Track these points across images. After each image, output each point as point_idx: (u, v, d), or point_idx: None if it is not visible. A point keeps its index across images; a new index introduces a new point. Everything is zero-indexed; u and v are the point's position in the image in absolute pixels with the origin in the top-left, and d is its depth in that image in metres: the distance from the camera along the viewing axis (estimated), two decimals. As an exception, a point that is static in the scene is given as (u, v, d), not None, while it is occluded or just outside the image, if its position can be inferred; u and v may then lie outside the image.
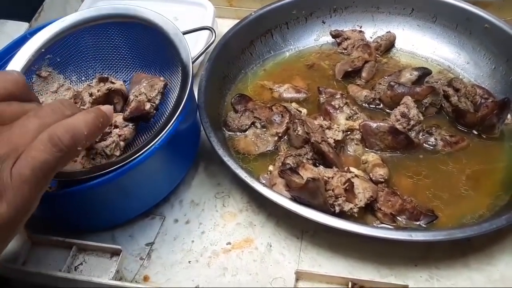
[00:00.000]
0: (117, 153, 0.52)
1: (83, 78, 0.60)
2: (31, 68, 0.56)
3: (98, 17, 0.58)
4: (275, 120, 0.63)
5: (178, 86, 0.54)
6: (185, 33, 0.56)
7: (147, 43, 0.58)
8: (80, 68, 0.60)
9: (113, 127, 0.53)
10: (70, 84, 0.60)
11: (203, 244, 0.55)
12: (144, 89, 0.54)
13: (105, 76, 0.57)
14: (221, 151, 0.56)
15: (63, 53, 0.58)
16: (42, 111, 0.38)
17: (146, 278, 0.53)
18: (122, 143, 0.52)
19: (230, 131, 0.65)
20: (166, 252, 0.55)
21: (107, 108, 0.44)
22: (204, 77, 0.64)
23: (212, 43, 0.63)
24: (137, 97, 0.53)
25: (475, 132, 0.64)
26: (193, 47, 0.64)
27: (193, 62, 0.54)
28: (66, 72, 0.59)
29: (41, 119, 0.37)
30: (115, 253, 0.52)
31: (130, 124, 0.53)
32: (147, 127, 0.55)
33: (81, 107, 0.54)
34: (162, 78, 0.56)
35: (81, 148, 0.38)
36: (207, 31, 0.72)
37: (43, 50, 0.56)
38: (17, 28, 0.75)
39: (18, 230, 0.38)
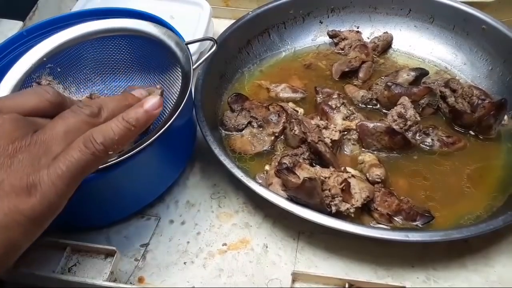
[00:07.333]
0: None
1: (81, 90, 0.61)
2: (31, 76, 0.56)
3: (104, 30, 0.57)
4: (271, 119, 0.63)
5: (177, 95, 0.53)
6: (188, 43, 0.55)
7: (149, 56, 0.58)
8: (79, 80, 0.60)
9: None
10: (69, 94, 0.60)
11: (199, 245, 0.55)
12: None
13: (96, 93, 0.59)
14: (217, 150, 0.56)
15: (64, 64, 0.58)
16: (65, 113, 0.42)
17: (141, 280, 0.52)
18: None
19: (226, 130, 0.64)
20: (161, 253, 0.54)
21: (151, 106, 0.44)
22: (200, 76, 0.64)
23: (212, 53, 0.62)
24: None
25: (472, 133, 0.64)
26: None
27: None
28: (65, 83, 0.59)
29: (65, 119, 0.41)
30: (110, 254, 0.51)
31: None
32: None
33: None
34: (158, 86, 0.55)
35: (112, 152, 0.41)
36: (203, 27, 0.72)
37: (44, 59, 0.56)
38: (11, 27, 0.74)
39: (43, 229, 0.39)
